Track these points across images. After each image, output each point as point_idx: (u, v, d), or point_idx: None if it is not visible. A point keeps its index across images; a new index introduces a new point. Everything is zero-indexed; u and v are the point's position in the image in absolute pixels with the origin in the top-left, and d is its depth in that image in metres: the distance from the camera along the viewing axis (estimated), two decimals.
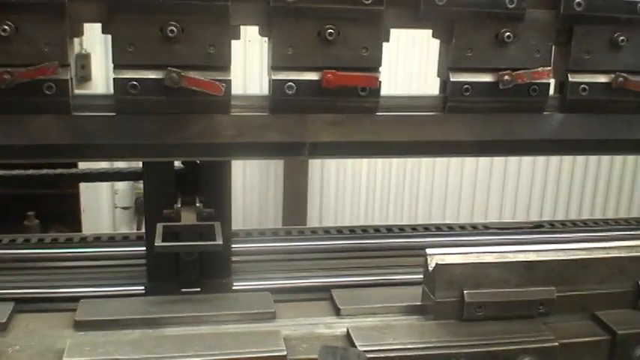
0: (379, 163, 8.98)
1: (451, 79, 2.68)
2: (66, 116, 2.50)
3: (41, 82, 2.38)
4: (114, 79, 2.46)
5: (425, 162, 9.11)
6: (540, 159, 9.25)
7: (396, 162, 9.04)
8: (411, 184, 9.25)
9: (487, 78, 2.68)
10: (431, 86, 8.10)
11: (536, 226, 4.33)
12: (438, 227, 4.20)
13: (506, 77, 2.65)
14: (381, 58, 2.60)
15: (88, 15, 2.43)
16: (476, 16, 2.60)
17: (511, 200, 9.55)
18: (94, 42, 7.61)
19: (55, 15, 2.35)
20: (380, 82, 2.60)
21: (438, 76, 2.78)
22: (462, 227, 4.23)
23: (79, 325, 2.74)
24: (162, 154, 2.71)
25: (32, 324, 2.78)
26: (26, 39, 2.35)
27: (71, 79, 2.46)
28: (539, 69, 2.67)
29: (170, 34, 2.39)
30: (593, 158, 9.42)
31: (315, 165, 8.86)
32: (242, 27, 2.56)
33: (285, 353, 2.55)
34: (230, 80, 2.50)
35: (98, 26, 2.48)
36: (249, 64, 7.93)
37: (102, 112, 2.55)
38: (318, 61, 2.55)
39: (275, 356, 2.54)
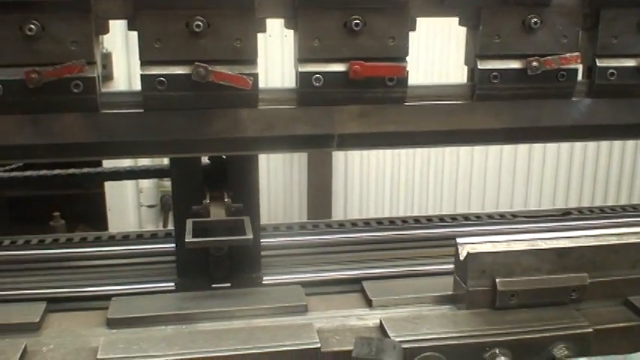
0: (402, 154, 8.97)
1: (479, 67, 2.66)
2: (94, 114, 2.50)
3: (68, 81, 2.39)
4: (141, 75, 2.46)
5: (448, 151, 9.09)
6: (564, 146, 9.22)
7: (420, 152, 9.03)
8: (435, 174, 9.23)
9: (515, 65, 2.67)
10: (452, 78, 8.09)
11: (565, 214, 4.30)
12: (466, 217, 4.17)
13: (534, 63, 2.63)
14: (408, 47, 2.58)
15: (114, 12, 2.43)
16: (502, 3, 2.58)
17: (536, 188, 9.52)
18: (115, 41, 7.61)
19: (80, 13, 2.35)
20: (407, 71, 2.59)
21: (466, 64, 2.76)
22: (490, 216, 4.20)
23: (112, 323, 2.76)
24: (191, 149, 2.71)
25: (65, 323, 2.81)
26: (52, 37, 2.35)
27: (98, 76, 2.47)
28: (567, 54, 2.65)
29: (196, 29, 2.39)
30: (617, 144, 9.37)
31: (339, 157, 8.86)
32: None
33: (318, 346, 2.55)
34: (257, 74, 2.50)
35: (119, 25, 2.50)
36: (271, 58, 7.95)
37: (129, 109, 2.55)
38: (344, 52, 2.54)
39: (309, 349, 2.54)
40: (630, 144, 9.41)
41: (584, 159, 9.47)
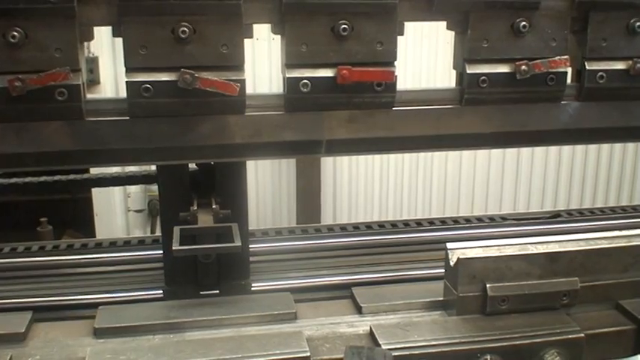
0: (391, 157, 8.95)
1: (467, 71, 2.65)
2: (79, 122, 2.47)
3: (53, 88, 2.36)
4: (126, 82, 2.44)
5: (437, 154, 9.07)
6: (553, 147, 9.22)
7: (408, 156, 9.00)
8: (424, 177, 9.21)
9: (504, 69, 2.66)
10: (440, 80, 8.09)
11: (554, 216, 4.30)
12: (455, 220, 4.16)
13: (523, 67, 2.61)
14: (396, 51, 2.56)
15: (98, 18, 2.40)
16: (491, 6, 2.57)
17: (525, 190, 9.51)
18: (102, 45, 7.57)
19: (64, 19, 2.32)
20: (396, 76, 2.57)
21: (454, 68, 2.75)
22: (479, 219, 4.19)
23: (99, 333, 2.73)
24: (178, 156, 2.69)
25: (51, 333, 2.77)
26: (36, 45, 2.33)
27: (83, 84, 2.44)
28: (557, 58, 2.64)
29: (182, 35, 2.36)
30: (605, 145, 9.37)
31: (328, 162, 8.83)
32: None
33: (308, 354, 2.52)
34: (244, 80, 2.48)
35: (105, 29, 2.46)
36: (258, 62, 7.92)
37: (115, 117, 2.53)
38: (332, 58, 2.52)
39: (299, 357, 2.51)
40: (618, 145, 9.42)
41: (573, 160, 9.47)
